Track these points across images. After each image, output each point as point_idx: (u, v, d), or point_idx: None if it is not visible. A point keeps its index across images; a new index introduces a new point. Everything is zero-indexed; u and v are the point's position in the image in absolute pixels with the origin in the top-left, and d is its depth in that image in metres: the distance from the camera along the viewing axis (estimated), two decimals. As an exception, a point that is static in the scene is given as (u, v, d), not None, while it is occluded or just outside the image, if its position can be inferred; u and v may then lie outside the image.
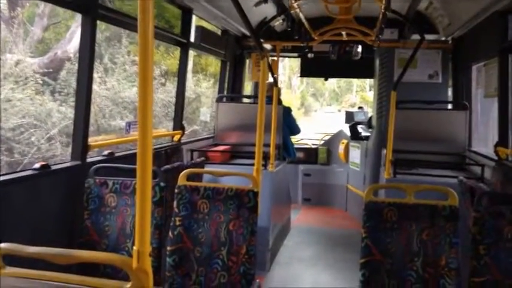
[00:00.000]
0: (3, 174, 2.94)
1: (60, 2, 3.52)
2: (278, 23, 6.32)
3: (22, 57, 8.87)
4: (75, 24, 9.83)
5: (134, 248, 1.48)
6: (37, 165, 3.10)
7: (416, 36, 5.82)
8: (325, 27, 5.61)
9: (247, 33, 6.64)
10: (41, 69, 9.10)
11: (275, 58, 6.86)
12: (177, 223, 3.10)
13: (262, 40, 4.77)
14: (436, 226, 2.78)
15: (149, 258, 1.48)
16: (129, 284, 1.46)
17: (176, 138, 5.36)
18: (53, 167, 3.24)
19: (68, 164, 3.43)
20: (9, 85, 7.99)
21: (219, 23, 6.23)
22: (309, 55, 7.39)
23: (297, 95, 31.32)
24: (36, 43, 10.23)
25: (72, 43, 9.68)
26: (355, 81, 33.46)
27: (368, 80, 31.85)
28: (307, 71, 8.04)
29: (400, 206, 2.81)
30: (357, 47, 6.98)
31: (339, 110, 31.55)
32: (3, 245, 1.57)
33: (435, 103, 5.88)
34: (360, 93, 34.25)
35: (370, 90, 32.85)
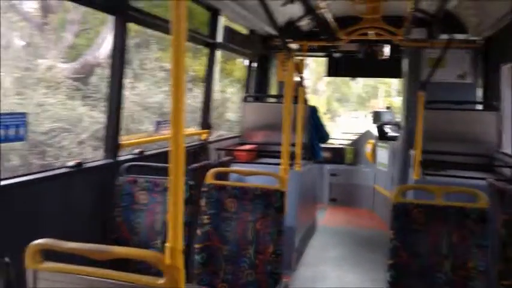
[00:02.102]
0: (39, 172, 3.04)
1: (91, 4, 3.60)
2: (305, 23, 6.32)
3: (54, 63, 9.06)
4: (105, 30, 9.99)
5: (167, 244, 1.52)
6: (71, 163, 3.19)
7: (445, 36, 5.75)
8: (352, 26, 5.60)
9: (274, 33, 6.66)
10: (72, 75, 9.27)
11: (302, 58, 6.86)
12: (205, 221, 3.15)
13: (288, 40, 4.79)
14: (465, 228, 2.75)
15: (181, 255, 1.52)
16: (162, 280, 1.51)
17: (203, 137, 5.42)
18: (86, 165, 3.32)
19: (100, 162, 3.52)
20: (41, 90, 8.18)
21: (246, 23, 6.27)
22: (336, 55, 7.37)
23: (322, 99, 31.13)
24: (68, 49, 10.44)
25: (102, 49, 9.85)
26: (382, 86, 33.04)
27: (395, 85, 31.47)
28: (333, 70, 8.01)
29: (428, 208, 2.80)
30: (385, 47, 6.93)
31: (365, 115, 31.24)
32: (42, 240, 1.63)
33: (464, 103, 5.79)
34: (387, 99, 33.85)
35: (397, 95, 32.42)
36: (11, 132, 2.70)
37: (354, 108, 35.85)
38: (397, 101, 31.84)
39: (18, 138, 2.75)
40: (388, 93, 33.80)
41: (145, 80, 10.04)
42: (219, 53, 5.76)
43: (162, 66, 10.19)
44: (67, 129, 8.10)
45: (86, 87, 9.17)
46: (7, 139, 2.70)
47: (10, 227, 2.48)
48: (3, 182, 2.70)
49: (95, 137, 8.28)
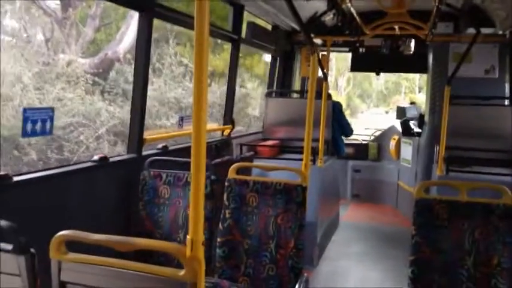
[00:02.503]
0: (65, 166, 3.11)
1: (118, 1, 3.65)
2: (329, 18, 6.28)
3: (74, 58, 9.11)
4: (125, 26, 10.02)
5: (188, 236, 1.55)
6: (96, 157, 3.25)
7: (471, 30, 5.64)
8: (377, 21, 5.54)
9: (298, 28, 6.64)
10: (91, 70, 9.30)
11: (325, 53, 6.82)
12: (227, 215, 3.18)
13: (312, 35, 4.77)
14: (489, 225, 2.72)
15: (202, 247, 1.54)
16: (182, 272, 1.54)
17: (226, 132, 5.45)
18: (111, 159, 3.39)
19: (125, 157, 3.58)
20: (61, 84, 8.24)
21: (269, 18, 6.27)
22: (360, 50, 7.30)
23: (343, 96, 30.85)
24: (88, 44, 10.48)
25: (122, 44, 9.87)
26: (404, 83, 32.58)
27: (417, 81, 30.93)
28: (357, 65, 7.94)
29: (452, 204, 2.77)
30: (410, 41, 6.84)
31: (387, 112, 30.78)
32: (66, 232, 1.68)
33: (491, 99, 5.69)
34: (409, 95, 33.33)
35: (419, 92, 31.89)
36: (38, 126, 2.77)
37: (375, 105, 35.43)
38: (420, 97, 31.36)
39: (44, 132, 2.82)
40: (410, 90, 33.29)
41: (163, 75, 10.06)
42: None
43: (181, 61, 10.18)
44: (84, 124, 8.12)
45: (105, 82, 9.20)
46: (34, 133, 2.77)
47: (37, 219, 2.55)
48: (32, 175, 2.78)
49: (112, 131, 8.34)
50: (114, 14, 11.10)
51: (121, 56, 9.76)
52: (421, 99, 31.41)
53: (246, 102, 12.10)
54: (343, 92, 31.81)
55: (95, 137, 8.25)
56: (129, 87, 7.35)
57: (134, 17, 8.50)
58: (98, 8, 10.50)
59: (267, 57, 7.04)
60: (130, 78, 7.08)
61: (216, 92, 10.02)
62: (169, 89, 9.88)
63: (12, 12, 8.95)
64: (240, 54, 5.71)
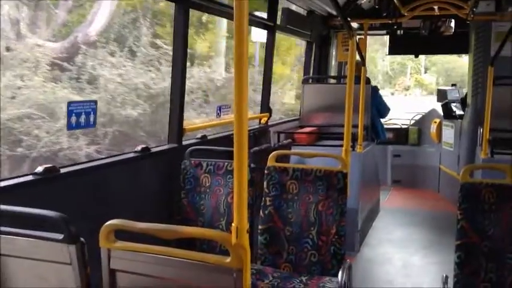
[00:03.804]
0: (108, 157, 3.19)
1: None
2: (365, 1, 6.17)
3: (42, 42, 7.87)
4: (98, 5, 8.69)
5: (233, 224, 1.57)
6: (138, 148, 3.33)
7: (515, 7, 5.44)
8: (415, 2, 5.41)
9: (334, 12, 6.54)
10: (61, 54, 8.06)
11: (362, 37, 6.71)
12: (268, 203, 3.20)
13: (349, 19, 4.69)
14: None
15: (247, 235, 1.56)
16: (228, 259, 1.56)
17: (263, 120, 5.46)
18: (152, 150, 3.45)
19: (166, 147, 3.65)
20: (22, 71, 7.11)
21: (304, 3, 6.20)
22: (398, 32, 7.15)
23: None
24: (61, 27, 8.95)
25: (93, 25, 8.64)
26: (409, 63, 31.54)
27: (423, 61, 29.87)
28: (396, 48, 7.78)
29: (499, 187, 2.70)
30: (450, 22, 6.64)
31: (392, 93, 29.96)
32: (115, 221, 1.73)
33: None
34: (415, 76, 32.38)
35: (425, 72, 30.94)
36: (82, 119, 2.85)
37: (382, 86, 34.57)
38: (425, 78, 30.33)
39: (89, 125, 2.89)
40: (416, 70, 32.30)
41: (136, 59, 8.77)
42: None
43: (155, 42, 8.80)
44: (40, 116, 6.94)
45: (73, 68, 7.79)
46: (78, 126, 2.85)
47: (83, 210, 2.63)
48: (77, 167, 2.86)
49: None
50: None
51: (93, 39, 8.45)
52: (428, 80, 30.49)
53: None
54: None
55: (56, 130, 7.06)
56: (104, 73, 7.12)
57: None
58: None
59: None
60: (102, 65, 6.82)
61: (195, 76, 8.68)
62: (138, 73, 8.56)
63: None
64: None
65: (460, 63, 27.21)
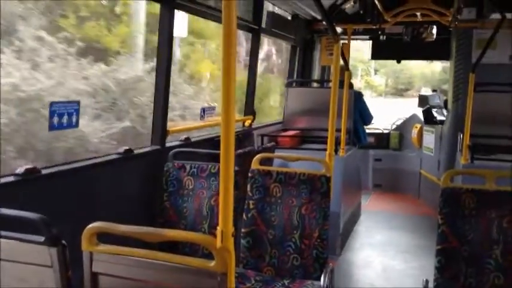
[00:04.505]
0: (92, 158, 3.15)
1: None
2: (349, 6, 6.21)
3: None
4: None
5: (218, 228, 1.56)
6: (121, 150, 3.29)
7: (495, 16, 5.52)
8: (398, 8, 5.46)
9: (318, 17, 6.58)
10: None
11: (346, 41, 6.75)
12: (251, 206, 3.19)
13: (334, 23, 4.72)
14: None
15: (232, 239, 1.55)
16: (213, 263, 1.55)
17: (247, 123, 5.45)
18: (136, 152, 3.42)
19: (149, 149, 3.61)
20: None
21: (289, 7, 6.22)
22: (381, 37, 7.22)
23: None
24: None
25: None
26: (360, 65, 31.81)
27: (373, 63, 30.23)
28: (378, 53, 7.86)
29: (479, 193, 2.73)
30: (432, 28, 6.73)
31: None
32: (98, 223, 1.70)
33: None
34: (365, 78, 32.68)
35: (375, 74, 31.31)
36: (65, 120, 2.81)
37: None
38: (376, 80, 30.66)
39: (71, 125, 2.86)
40: (366, 72, 32.58)
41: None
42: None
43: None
44: None
45: None
46: (61, 126, 2.81)
47: (65, 211, 2.59)
48: (59, 168, 2.82)
49: None
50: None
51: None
52: (377, 81, 30.84)
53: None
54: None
55: None
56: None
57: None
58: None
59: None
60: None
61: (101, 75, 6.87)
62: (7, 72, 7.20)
63: None
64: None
65: (408, 66, 27.65)
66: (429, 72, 30.84)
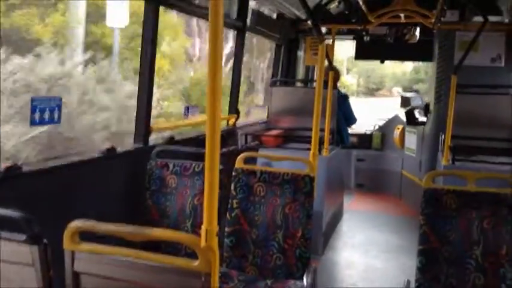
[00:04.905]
0: (73, 157, 3.11)
1: None
2: (334, 6, 6.24)
3: None
4: None
5: (203, 227, 1.54)
6: (103, 149, 3.25)
7: (478, 18, 5.59)
8: (382, 9, 5.50)
9: (303, 16, 6.59)
10: None
11: (330, 42, 6.78)
12: (234, 205, 3.18)
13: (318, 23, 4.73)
14: (497, 215, 2.71)
15: (216, 238, 1.54)
16: (197, 262, 1.53)
17: (231, 122, 5.44)
18: (118, 150, 3.38)
19: (132, 147, 3.58)
20: None
21: (274, 6, 6.22)
22: (365, 38, 7.26)
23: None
24: None
25: None
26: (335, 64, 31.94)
27: (345, 62, 30.54)
28: (362, 54, 7.89)
29: (460, 194, 2.76)
30: (415, 30, 6.80)
31: None
32: (80, 222, 1.67)
33: (498, 88, 5.66)
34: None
35: (347, 73, 31.61)
36: (46, 115, 2.76)
37: None
38: (348, 80, 31.03)
39: (53, 121, 2.81)
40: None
41: None
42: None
43: None
44: None
45: None
46: (42, 122, 2.76)
47: (46, 210, 2.55)
48: (40, 166, 2.78)
49: None
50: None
51: None
52: (349, 81, 31.22)
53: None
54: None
55: None
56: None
57: None
58: None
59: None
60: None
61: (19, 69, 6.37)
62: None
63: None
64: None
65: (379, 66, 27.85)
66: (400, 72, 31.19)
